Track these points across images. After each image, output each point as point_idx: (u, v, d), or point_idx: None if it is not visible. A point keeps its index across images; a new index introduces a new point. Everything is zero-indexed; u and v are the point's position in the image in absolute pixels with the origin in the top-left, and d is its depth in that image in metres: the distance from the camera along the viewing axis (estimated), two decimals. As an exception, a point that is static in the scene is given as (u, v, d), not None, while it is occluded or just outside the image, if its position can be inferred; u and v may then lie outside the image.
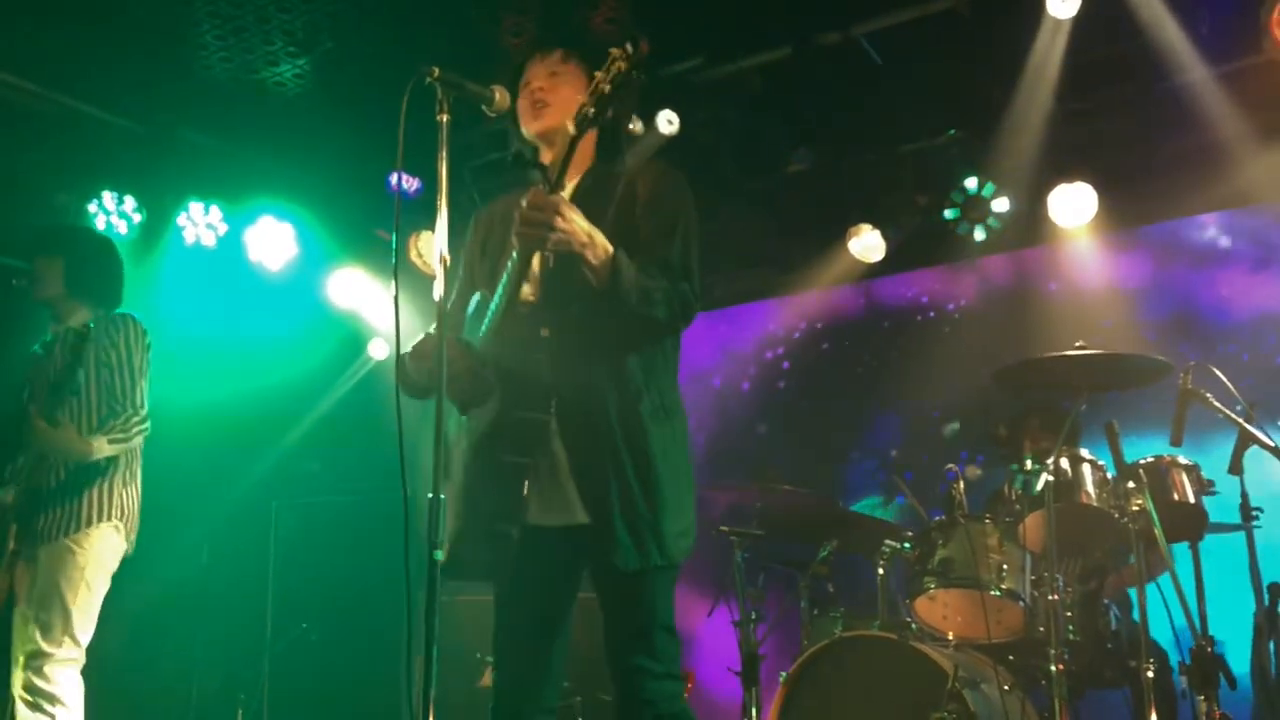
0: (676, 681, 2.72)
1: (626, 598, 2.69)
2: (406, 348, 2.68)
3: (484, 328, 2.68)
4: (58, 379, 3.97)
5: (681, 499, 2.75)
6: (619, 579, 2.65)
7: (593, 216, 2.63)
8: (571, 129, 2.58)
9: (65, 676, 3.91)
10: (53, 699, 3.86)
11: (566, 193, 2.78)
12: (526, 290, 2.69)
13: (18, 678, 3.89)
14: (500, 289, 2.67)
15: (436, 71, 2.48)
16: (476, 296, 2.78)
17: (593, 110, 2.52)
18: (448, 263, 2.46)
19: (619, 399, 2.70)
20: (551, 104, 2.83)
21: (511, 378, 2.61)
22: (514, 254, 2.63)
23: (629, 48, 2.50)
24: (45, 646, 3.88)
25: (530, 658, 2.79)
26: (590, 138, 2.85)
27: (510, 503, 2.64)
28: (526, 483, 2.65)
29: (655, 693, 2.66)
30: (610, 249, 2.60)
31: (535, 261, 2.67)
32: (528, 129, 2.89)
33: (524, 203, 2.53)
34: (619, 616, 2.71)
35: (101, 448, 4.02)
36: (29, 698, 3.85)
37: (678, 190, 2.86)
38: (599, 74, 2.52)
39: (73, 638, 3.93)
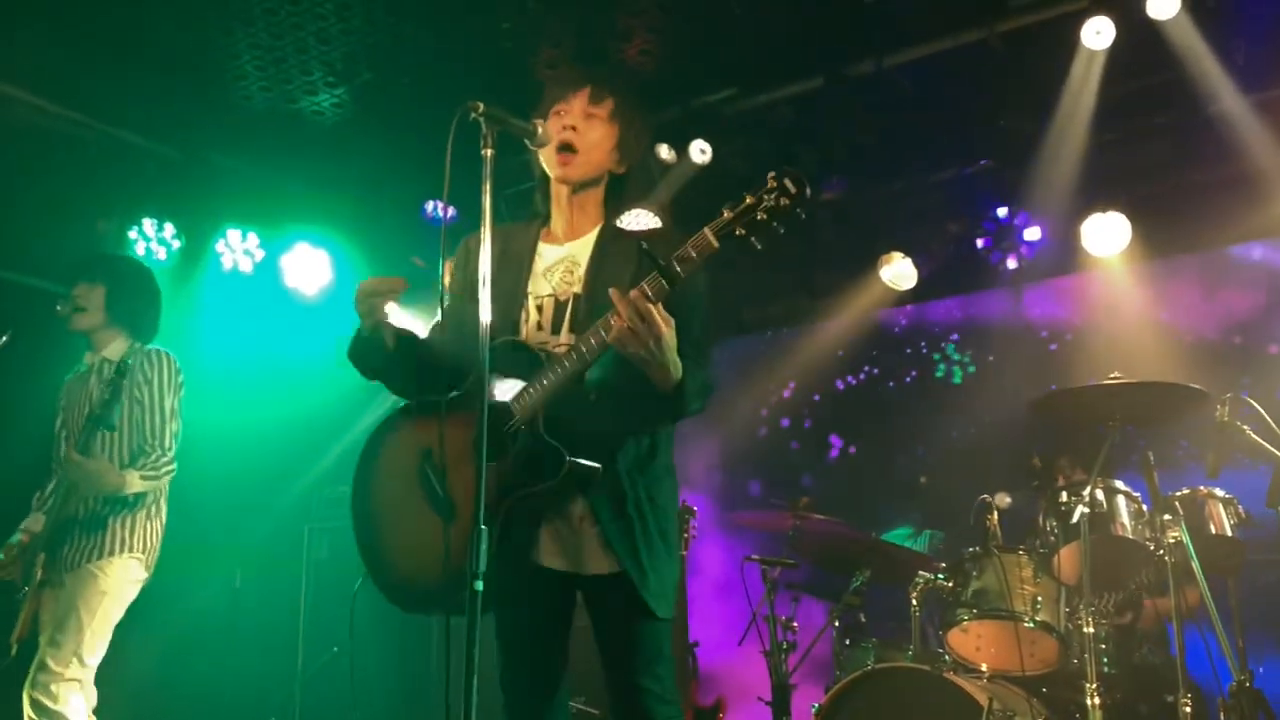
0: (677, 707, 2.80)
1: (644, 636, 2.76)
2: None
3: (529, 382, 2.70)
4: (95, 413, 4.02)
5: (678, 550, 2.94)
6: (642, 620, 2.73)
7: (613, 277, 2.67)
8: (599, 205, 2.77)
9: (71, 697, 3.96)
10: (58, 717, 3.90)
11: (587, 243, 2.84)
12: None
13: (26, 694, 3.95)
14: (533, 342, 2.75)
15: (481, 107, 2.49)
16: (504, 341, 2.76)
17: (739, 233, 2.46)
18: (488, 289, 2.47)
19: (638, 454, 2.78)
20: (579, 151, 2.85)
21: (557, 431, 2.63)
22: (531, 299, 2.77)
23: (789, 183, 2.44)
24: (52, 665, 3.94)
25: (539, 694, 2.86)
26: (604, 187, 2.93)
27: (524, 549, 2.72)
28: (542, 531, 2.73)
29: (663, 715, 2.74)
30: (680, 368, 2.59)
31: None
32: (550, 170, 2.91)
33: (647, 313, 2.47)
34: (631, 650, 2.77)
35: (134, 482, 4.09)
36: (36, 716, 3.91)
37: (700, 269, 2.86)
38: (750, 196, 2.46)
39: (80, 660, 3.99)
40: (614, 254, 2.81)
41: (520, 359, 2.72)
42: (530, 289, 2.89)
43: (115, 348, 4.29)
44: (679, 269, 2.49)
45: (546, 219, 2.99)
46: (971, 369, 6.73)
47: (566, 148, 2.84)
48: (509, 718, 2.88)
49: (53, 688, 3.92)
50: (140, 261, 5.58)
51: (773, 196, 2.44)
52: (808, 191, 2.43)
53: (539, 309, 2.86)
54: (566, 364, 2.63)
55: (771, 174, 2.46)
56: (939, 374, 6.82)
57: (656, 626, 2.75)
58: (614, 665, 2.79)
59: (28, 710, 3.92)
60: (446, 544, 2.57)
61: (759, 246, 2.49)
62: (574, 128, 2.85)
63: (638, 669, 2.75)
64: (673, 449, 2.92)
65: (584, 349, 2.61)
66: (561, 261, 2.89)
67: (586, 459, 2.63)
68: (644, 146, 3.00)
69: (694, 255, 2.49)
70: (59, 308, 4.31)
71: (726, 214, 2.48)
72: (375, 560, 2.89)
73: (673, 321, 2.53)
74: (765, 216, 2.44)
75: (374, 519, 2.91)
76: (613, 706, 2.80)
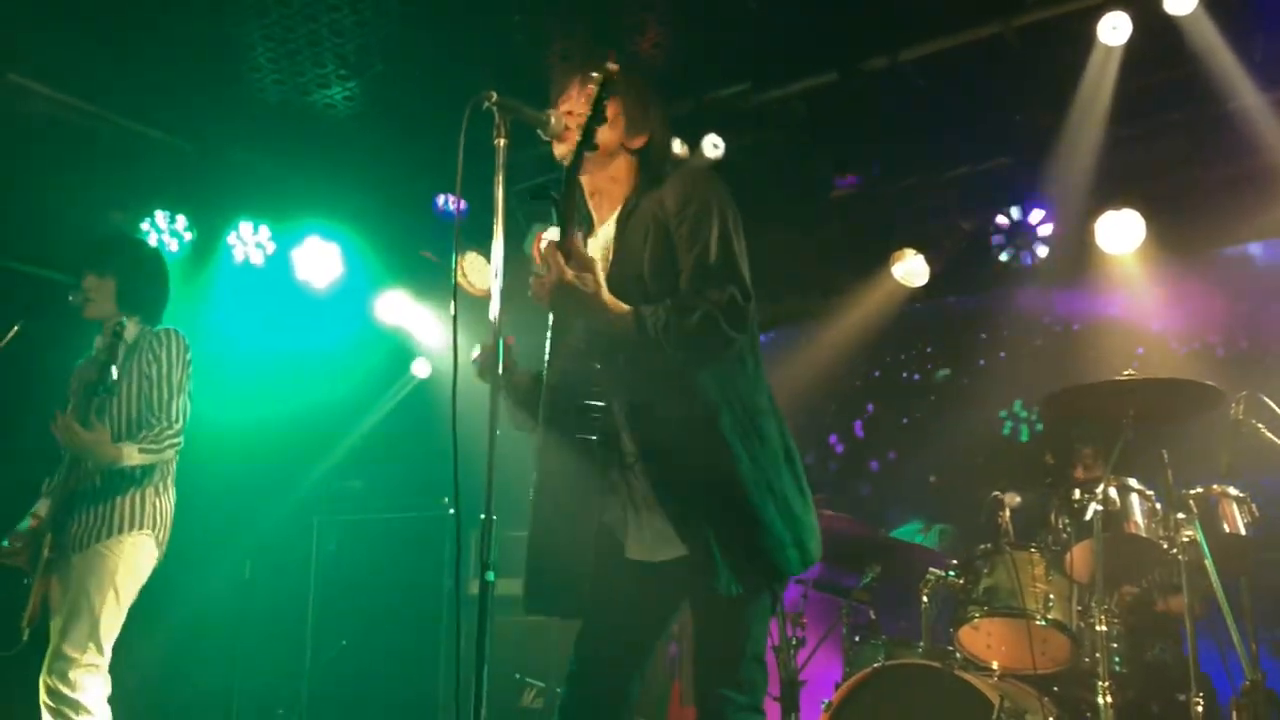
0: (760, 715, 2.63)
1: (724, 624, 2.61)
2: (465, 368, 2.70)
3: (545, 368, 2.70)
4: (93, 379, 4.00)
5: (782, 508, 2.60)
6: (719, 606, 2.57)
7: (632, 252, 2.64)
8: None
9: (89, 683, 3.90)
10: (77, 706, 3.86)
11: (609, 226, 2.80)
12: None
13: (43, 681, 3.90)
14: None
15: (494, 96, 2.49)
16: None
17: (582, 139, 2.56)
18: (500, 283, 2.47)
19: (691, 420, 2.59)
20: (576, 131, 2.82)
21: (578, 411, 2.58)
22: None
23: (610, 65, 2.56)
24: (68, 651, 3.89)
25: (609, 691, 2.74)
26: (625, 166, 2.86)
27: (589, 538, 2.61)
28: (621, 515, 2.65)
29: None
30: (623, 308, 2.54)
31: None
32: (556, 151, 2.86)
33: (537, 256, 2.53)
34: (712, 644, 2.65)
35: (131, 455, 4.03)
36: (52, 703, 3.86)
37: (702, 188, 2.72)
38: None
39: (97, 644, 3.93)
40: (633, 228, 2.73)
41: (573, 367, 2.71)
42: None
43: (126, 332, 4.30)
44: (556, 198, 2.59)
45: (586, 219, 2.95)
46: (983, 366, 6.70)
47: (568, 129, 2.79)
48: (565, 699, 2.75)
49: (70, 674, 3.87)
50: (148, 244, 5.58)
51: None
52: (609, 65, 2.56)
53: None
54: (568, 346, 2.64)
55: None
56: (951, 372, 6.79)
57: (736, 613, 2.58)
58: (697, 664, 2.67)
59: (44, 698, 3.88)
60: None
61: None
62: (571, 112, 2.80)
63: (716, 671, 2.61)
64: (754, 394, 2.68)
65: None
66: (599, 249, 2.86)
67: (583, 431, 2.57)
68: (658, 114, 2.89)
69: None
70: (71, 298, 4.31)
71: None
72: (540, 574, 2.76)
73: (592, 262, 2.51)
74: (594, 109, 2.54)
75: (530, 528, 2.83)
76: (696, 703, 2.66)
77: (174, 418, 4.13)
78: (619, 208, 2.84)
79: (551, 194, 2.58)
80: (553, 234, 2.49)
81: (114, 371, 4.01)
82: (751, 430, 2.62)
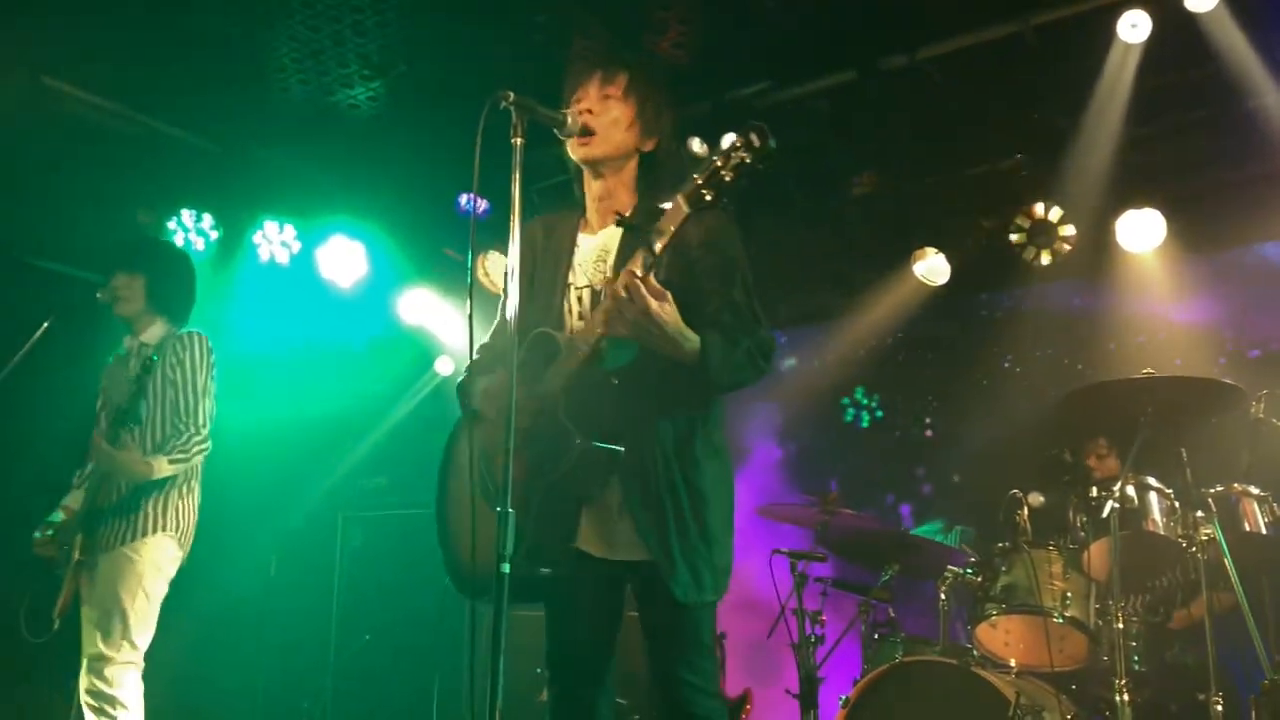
0: (719, 700, 2.81)
1: (678, 626, 2.75)
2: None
3: (551, 369, 2.72)
4: (123, 408, 4.11)
5: (728, 535, 2.81)
6: (673, 610, 2.71)
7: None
8: (629, 171, 2.70)
9: (126, 679, 4.04)
10: (115, 702, 3.99)
11: (617, 231, 2.82)
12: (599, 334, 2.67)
13: (82, 681, 4.04)
14: (558, 332, 2.75)
15: (511, 96, 2.52)
16: (536, 333, 2.78)
17: (709, 197, 2.44)
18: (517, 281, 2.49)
19: (674, 437, 2.74)
20: (597, 131, 2.83)
21: (579, 415, 2.64)
22: (573, 290, 2.76)
23: (754, 138, 2.40)
24: (105, 650, 4.02)
25: (584, 677, 2.87)
26: (633, 169, 2.90)
27: (564, 534, 2.71)
28: (581, 517, 2.74)
29: (703, 708, 2.74)
30: (697, 342, 2.59)
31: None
32: (573, 153, 2.90)
33: (620, 288, 2.48)
34: (667, 640, 2.79)
35: (162, 468, 4.14)
36: (93, 702, 4.00)
37: (732, 238, 2.84)
38: (718, 158, 2.44)
39: (131, 642, 4.06)
40: (644, 233, 2.72)
41: (547, 349, 2.74)
42: (571, 280, 2.89)
43: (153, 332, 4.38)
44: (656, 242, 2.49)
45: (584, 209, 3.00)
46: (1004, 364, 6.69)
47: (585, 131, 2.82)
48: (553, 701, 2.89)
49: (107, 672, 4.00)
50: (177, 246, 5.66)
51: (738, 154, 2.41)
52: (771, 143, 2.40)
53: (579, 300, 2.87)
54: (579, 351, 2.65)
55: (734, 133, 2.44)
56: (974, 368, 6.78)
57: (690, 616, 2.73)
58: (653, 654, 2.79)
59: (84, 698, 4.00)
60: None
61: (730, 206, 2.51)
62: (590, 110, 2.83)
63: (674, 659, 2.75)
64: (719, 429, 2.85)
65: (588, 335, 2.63)
66: (595, 251, 2.90)
67: (612, 443, 2.63)
68: (670, 119, 2.93)
69: (670, 226, 2.49)
70: (99, 295, 4.39)
71: (696, 179, 2.46)
72: (445, 554, 2.93)
73: (667, 294, 2.51)
74: (732, 176, 2.42)
75: (446, 515, 2.96)
76: (655, 697, 2.81)
77: (200, 423, 4.22)
78: (628, 210, 2.87)
79: (638, 226, 2.58)
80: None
81: (144, 408, 4.13)
82: (716, 458, 2.80)
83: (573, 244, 2.93)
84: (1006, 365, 6.69)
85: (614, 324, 2.54)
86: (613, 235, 2.88)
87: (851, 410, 7.22)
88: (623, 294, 2.48)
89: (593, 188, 2.95)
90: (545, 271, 2.92)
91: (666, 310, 2.52)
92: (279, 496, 6.65)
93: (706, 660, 2.78)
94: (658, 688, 2.80)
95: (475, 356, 2.84)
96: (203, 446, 4.24)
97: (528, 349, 2.74)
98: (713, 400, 2.84)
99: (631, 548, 2.73)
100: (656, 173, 2.91)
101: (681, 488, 2.72)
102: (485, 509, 2.61)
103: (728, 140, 2.42)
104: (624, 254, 2.76)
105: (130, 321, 4.43)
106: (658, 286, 2.51)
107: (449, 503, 2.94)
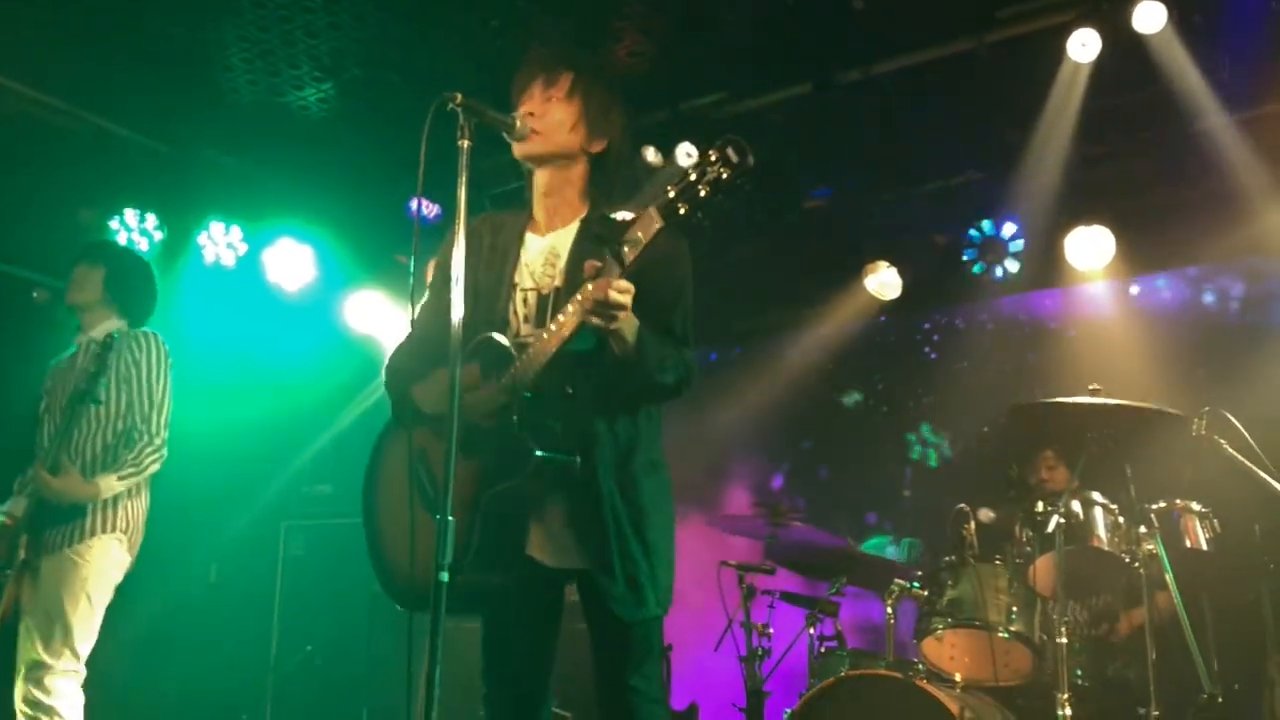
0: (665, 708, 2.81)
1: (622, 640, 2.73)
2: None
3: (503, 376, 2.67)
4: (81, 388, 3.99)
5: (670, 551, 2.79)
6: (616, 624, 2.70)
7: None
8: (578, 167, 2.69)
9: (65, 688, 3.90)
10: (52, 712, 3.85)
11: (568, 234, 2.80)
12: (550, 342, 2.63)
13: (19, 689, 3.89)
14: (506, 333, 2.72)
15: (459, 98, 2.49)
16: (481, 338, 2.71)
17: (682, 210, 2.37)
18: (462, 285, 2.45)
19: (614, 453, 2.72)
20: (540, 131, 2.79)
21: (533, 425, 2.60)
22: (518, 291, 2.72)
23: (731, 153, 2.33)
24: (45, 658, 3.88)
25: (524, 689, 2.84)
26: (582, 171, 2.86)
27: (511, 542, 2.67)
28: (530, 524, 2.70)
29: (650, 715, 2.72)
30: (637, 324, 2.59)
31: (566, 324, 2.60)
32: (514, 152, 2.85)
33: (610, 293, 2.44)
34: (614, 650, 2.76)
35: (110, 486, 4.03)
36: (29, 710, 3.85)
37: (685, 258, 2.82)
38: (693, 170, 2.37)
39: (73, 650, 3.92)
40: (597, 241, 2.70)
41: (494, 355, 2.69)
42: (516, 281, 2.85)
43: (105, 327, 4.26)
44: (627, 251, 2.45)
45: (531, 210, 2.95)
46: (953, 378, 6.73)
47: (531, 133, 2.78)
48: (488, 712, 2.85)
49: (46, 681, 3.87)
50: (141, 255, 5.56)
51: (714, 168, 2.34)
52: (750, 159, 2.33)
53: (524, 302, 2.83)
54: (540, 356, 2.60)
55: (712, 146, 2.37)
56: (922, 383, 6.82)
57: (637, 630, 2.71)
58: (600, 664, 2.77)
59: (21, 706, 3.86)
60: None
61: (706, 222, 2.42)
62: (532, 113, 2.79)
63: (621, 667, 2.72)
64: (657, 446, 2.84)
65: (551, 341, 2.58)
66: (543, 253, 2.85)
67: (564, 453, 2.60)
68: (620, 121, 2.89)
69: (641, 237, 2.44)
70: (35, 294, 4.29)
71: (670, 190, 2.40)
72: (380, 564, 2.89)
73: (631, 289, 2.48)
74: (708, 190, 2.35)
75: (378, 524, 2.91)
76: (599, 704, 2.77)
77: (154, 431, 4.13)
78: (578, 217, 2.85)
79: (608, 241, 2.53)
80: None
81: (104, 385, 4.02)
82: (654, 475, 2.79)
83: (520, 245, 2.88)
84: (957, 380, 6.73)
85: (595, 320, 2.49)
86: (563, 237, 2.84)
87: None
88: (613, 297, 2.45)
89: (539, 187, 2.91)
90: (489, 271, 2.87)
91: (626, 307, 2.51)
92: (221, 502, 6.54)
93: (653, 667, 2.77)
94: (604, 696, 2.76)
95: (392, 361, 2.84)
96: (157, 455, 4.14)
97: (472, 355, 2.69)
98: (649, 417, 2.83)
99: (574, 555, 2.71)
100: (608, 175, 2.88)
101: (620, 501, 2.70)
102: (424, 518, 2.56)
103: (703, 153, 2.38)
104: (577, 258, 2.73)
105: (82, 312, 4.31)
106: (623, 284, 2.48)
107: (381, 513, 2.89)
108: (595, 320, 2.47)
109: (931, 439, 6.73)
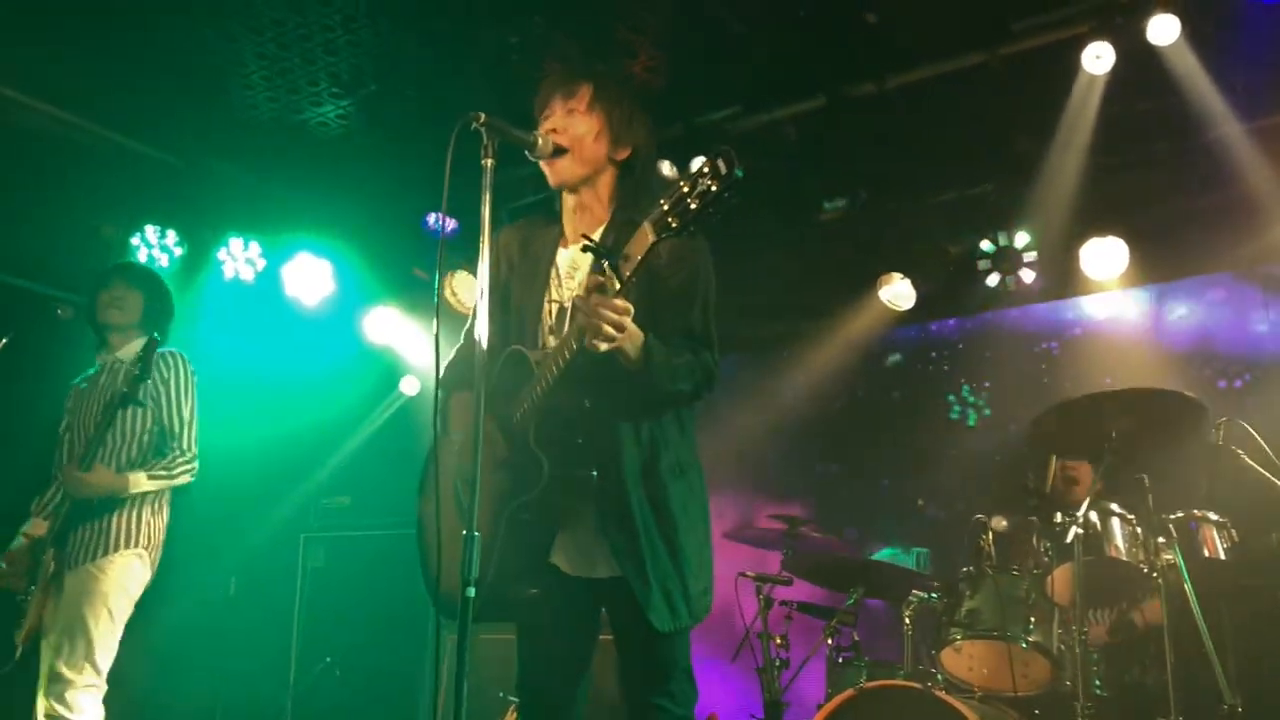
0: None
1: (651, 651, 2.73)
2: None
3: (523, 392, 2.70)
4: (123, 391, 4.03)
5: (702, 556, 2.79)
6: (646, 634, 2.68)
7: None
8: (605, 198, 2.70)
9: (86, 703, 3.93)
10: None
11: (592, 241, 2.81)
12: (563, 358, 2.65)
13: (40, 703, 3.91)
14: (531, 351, 2.73)
15: (483, 117, 2.52)
16: (509, 352, 2.76)
17: (675, 224, 2.34)
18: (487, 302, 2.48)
19: (639, 458, 2.72)
20: (568, 147, 2.81)
21: (549, 442, 2.63)
22: (549, 306, 2.73)
23: (720, 165, 2.29)
24: (66, 673, 3.91)
25: (555, 699, 2.84)
26: (609, 180, 2.88)
27: (539, 554, 2.70)
28: (557, 535, 2.72)
29: None
30: (642, 336, 2.60)
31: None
32: (549, 180, 2.89)
33: (603, 313, 2.45)
34: (640, 664, 2.76)
35: (139, 482, 4.09)
36: None
37: (701, 256, 2.83)
38: (684, 183, 2.33)
39: (93, 664, 3.96)
40: (616, 249, 2.69)
41: (520, 370, 2.72)
42: (548, 295, 2.89)
43: (131, 349, 4.32)
44: (623, 267, 2.45)
45: (562, 223, 2.98)
46: (966, 392, 6.72)
47: (557, 151, 2.81)
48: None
49: (68, 696, 3.90)
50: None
51: (704, 180, 2.30)
52: (738, 171, 2.28)
53: (550, 314, 2.87)
54: (550, 372, 2.63)
55: (702, 158, 2.37)
56: (937, 395, 6.81)
57: (666, 642, 2.70)
58: (628, 679, 2.77)
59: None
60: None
61: (698, 235, 2.46)
62: (555, 129, 2.82)
63: (652, 686, 2.72)
64: (686, 447, 2.82)
65: (559, 358, 2.60)
66: (567, 265, 2.89)
67: (582, 467, 2.62)
68: (643, 126, 2.91)
69: (635, 254, 2.43)
70: (59, 311, 4.34)
71: (663, 204, 2.37)
72: (425, 574, 2.89)
73: (628, 307, 2.48)
74: (698, 204, 2.31)
75: (424, 535, 2.94)
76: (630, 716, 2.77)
77: (186, 446, 4.19)
78: (602, 224, 2.87)
79: (604, 255, 2.54)
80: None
81: (143, 392, 4.07)
82: (682, 478, 2.78)
83: (552, 258, 2.92)
84: (971, 391, 6.72)
85: (592, 336, 2.50)
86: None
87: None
88: (607, 317, 2.45)
89: (568, 204, 2.94)
90: (522, 283, 2.90)
91: (626, 321, 2.51)
92: (241, 515, 6.58)
93: (685, 684, 2.76)
94: (627, 703, 2.76)
95: (443, 374, 2.82)
96: (189, 467, 4.22)
97: (501, 369, 2.72)
98: (677, 418, 2.83)
99: (609, 566, 2.71)
100: (635, 180, 2.90)
101: (649, 510, 2.70)
102: (457, 531, 2.58)
103: (695, 165, 2.38)
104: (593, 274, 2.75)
105: (113, 332, 4.37)
106: (621, 304, 2.48)
107: (424, 524, 2.92)
108: (593, 341, 2.48)
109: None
